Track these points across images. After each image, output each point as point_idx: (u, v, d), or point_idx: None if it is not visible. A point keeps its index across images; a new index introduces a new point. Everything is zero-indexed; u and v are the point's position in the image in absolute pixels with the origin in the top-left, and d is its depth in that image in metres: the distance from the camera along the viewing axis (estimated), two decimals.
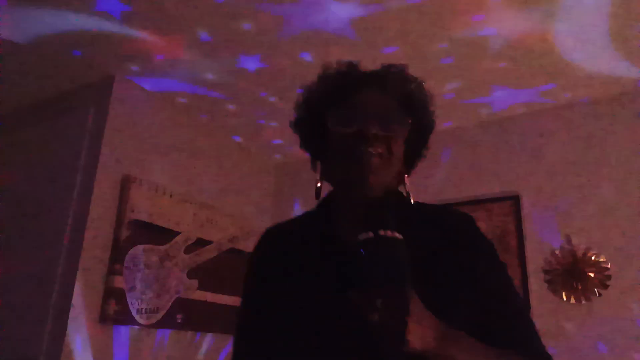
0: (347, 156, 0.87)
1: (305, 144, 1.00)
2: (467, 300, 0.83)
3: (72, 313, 2.35)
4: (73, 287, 2.37)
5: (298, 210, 3.54)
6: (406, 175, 0.96)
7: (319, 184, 0.95)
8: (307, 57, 2.48)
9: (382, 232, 0.67)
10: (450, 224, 0.92)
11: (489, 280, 0.87)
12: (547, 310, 2.62)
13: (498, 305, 0.84)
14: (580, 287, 2.57)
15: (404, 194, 0.95)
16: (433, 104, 0.98)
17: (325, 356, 0.81)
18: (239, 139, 3.48)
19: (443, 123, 3.12)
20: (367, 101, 0.90)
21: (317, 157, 0.98)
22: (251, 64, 2.58)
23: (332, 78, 0.96)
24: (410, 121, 0.92)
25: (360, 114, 0.88)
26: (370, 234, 0.67)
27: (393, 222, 0.70)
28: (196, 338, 2.91)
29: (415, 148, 0.97)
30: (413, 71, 0.96)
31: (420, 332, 0.68)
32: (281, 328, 0.86)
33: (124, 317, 2.51)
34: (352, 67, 0.97)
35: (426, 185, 3.16)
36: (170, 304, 2.75)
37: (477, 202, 2.96)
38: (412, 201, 0.93)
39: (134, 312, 2.55)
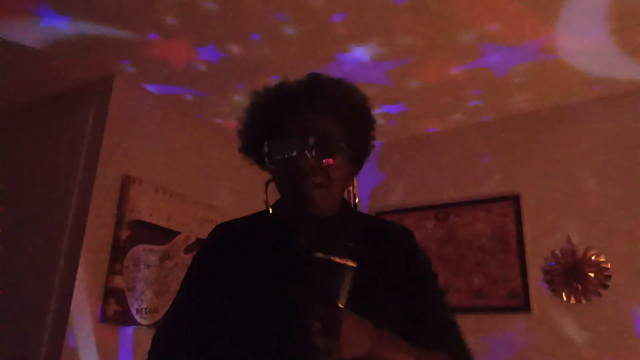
0: (288, 190, 0.90)
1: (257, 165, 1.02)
2: (400, 308, 0.88)
3: (72, 313, 2.35)
4: (73, 287, 2.37)
5: None
6: (351, 188, 0.98)
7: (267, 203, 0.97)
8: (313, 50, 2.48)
9: (333, 259, 0.74)
10: (390, 238, 0.97)
11: (421, 292, 0.92)
12: (547, 310, 2.62)
13: (428, 314, 0.90)
14: (580, 287, 2.57)
15: (350, 201, 0.98)
16: (370, 106, 0.97)
17: (256, 354, 0.83)
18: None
19: (444, 123, 3.13)
20: (302, 129, 0.88)
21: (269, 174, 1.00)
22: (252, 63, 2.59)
23: (263, 106, 0.95)
24: (349, 141, 0.91)
25: (296, 145, 0.87)
26: (322, 257, 0.75)
27: (346, 247, 0.77)
28: None
29: (361, 152, 0.98)
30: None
31: (354, 342, 0.73)
32: (218, 319, 0.89)
33: (124, 317, 2.51)
34: (282, 90, 0.94)
35: (426, 185, 3.16)
36: (170, 304, 2.75)
37: (477, 202, 2.96)
38: (355, 204, 0.95)
39: (134, 312, 2.55)
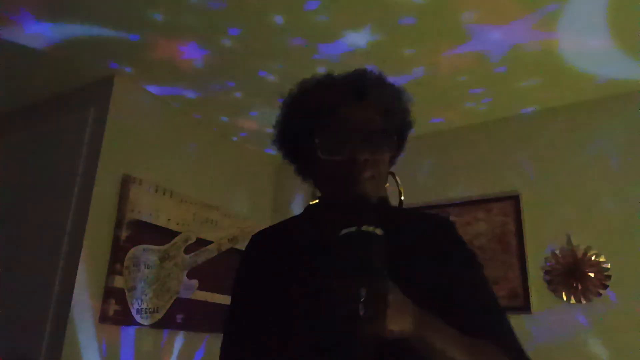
0: (339, 182, 0.89)
1: (288, 160, 1.02)
2: (442, 298, 0.85)
3: (72, 313, 2.35)
4: (73, 287, 2.37)
5: (298, 210, 3.54)
6: (390, 181, 0.98)
7: (313, 202, 0.99)
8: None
9: (363, 228, 0.72)
10: (429, 228, 0.96)
11: (464, 280, 0.90)
12: (547, 310, 2.62)
13: (473, 303, 0.88)
14: (580, 287, 2.57)
15: (388, 197, 0.98)
16: (411, 106, 0.99)
17: (309, 351, 0.82)
18: (238, 139, 3.48)
19: (444, 122, 3.13)
20: (354, 122, 0.89)
21: (304, 173, 1.00)
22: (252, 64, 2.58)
23: (312, 97, 0.94)
24: (395, 138, 0.94)
25: (349, 139, 0.87)
26: (352, 229, 0.72)
27: (374, 218, 0.74)
28: (196, 338, 2.91)
29: (399, 151, 1.01)
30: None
31: (399, 318, 0.71)
32: (267, 326, 0.89)
33: (124, 317, 2.51)
34: (334, 82, 0.95)
35: (425, 185, 3.16)
36: (170, 304, 2.75)
37: (477, 202, 2.96)
38: (402, 200, 0.97)
39: (134, 312, 2.55)
